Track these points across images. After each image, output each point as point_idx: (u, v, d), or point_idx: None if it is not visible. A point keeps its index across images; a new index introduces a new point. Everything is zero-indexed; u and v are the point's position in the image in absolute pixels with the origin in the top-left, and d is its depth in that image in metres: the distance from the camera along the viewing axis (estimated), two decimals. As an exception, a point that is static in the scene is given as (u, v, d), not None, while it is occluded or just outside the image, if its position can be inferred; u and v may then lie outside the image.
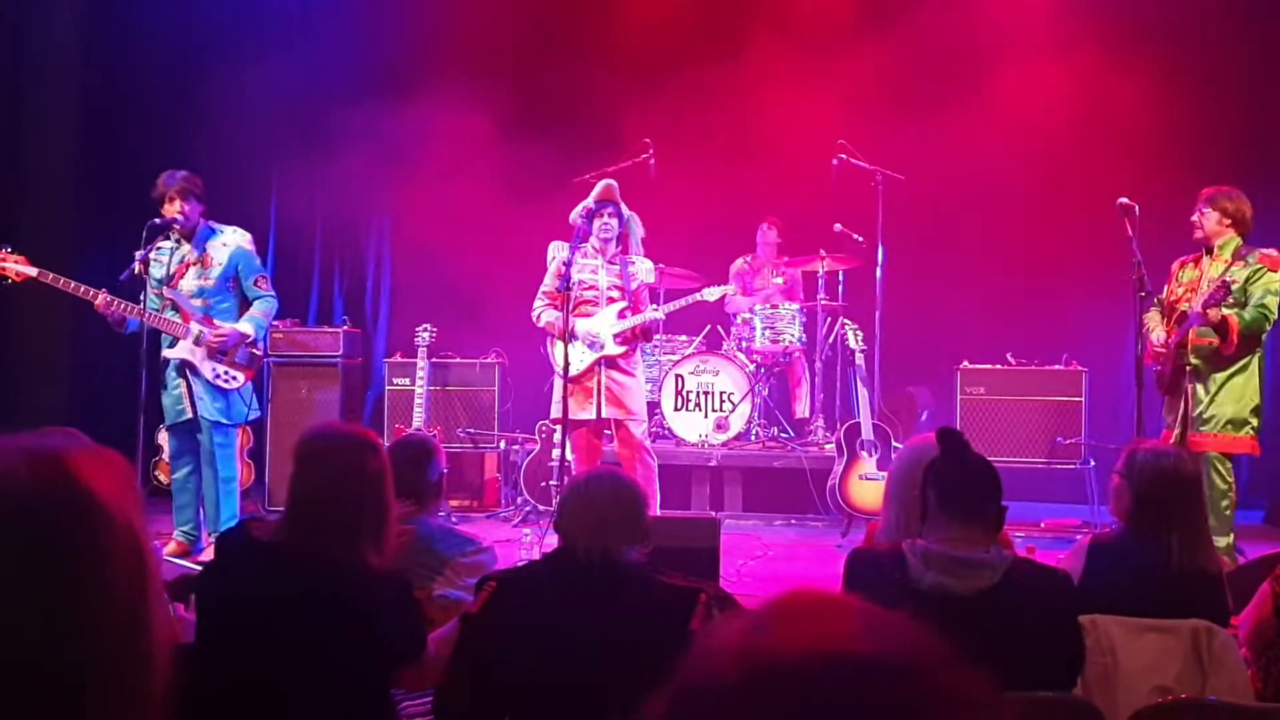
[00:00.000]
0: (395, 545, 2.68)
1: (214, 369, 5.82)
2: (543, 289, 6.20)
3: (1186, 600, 2.88)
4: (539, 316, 6.18)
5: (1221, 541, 5.39)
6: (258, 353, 6.03)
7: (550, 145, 8.46)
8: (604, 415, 6.06)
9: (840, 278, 8.01)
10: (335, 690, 2.46)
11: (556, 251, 6.29)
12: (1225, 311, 5.35)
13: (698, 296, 6.48)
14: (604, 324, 6.09)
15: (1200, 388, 5.54)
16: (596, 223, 6.12)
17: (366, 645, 2.47)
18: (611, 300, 6.15)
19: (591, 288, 6.15)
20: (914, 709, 0.76)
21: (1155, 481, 3.02)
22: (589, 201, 6.16)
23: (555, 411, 6.19)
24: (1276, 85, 7.98)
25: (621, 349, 6.10)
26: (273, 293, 6.11)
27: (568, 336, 5.89)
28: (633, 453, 6.08)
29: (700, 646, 0.81)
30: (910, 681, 0.76)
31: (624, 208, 6.21)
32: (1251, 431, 5.52)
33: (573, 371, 6.02)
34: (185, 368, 5.83)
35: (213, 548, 2.69)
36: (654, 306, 6.38)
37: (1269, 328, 5.48)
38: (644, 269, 6.28)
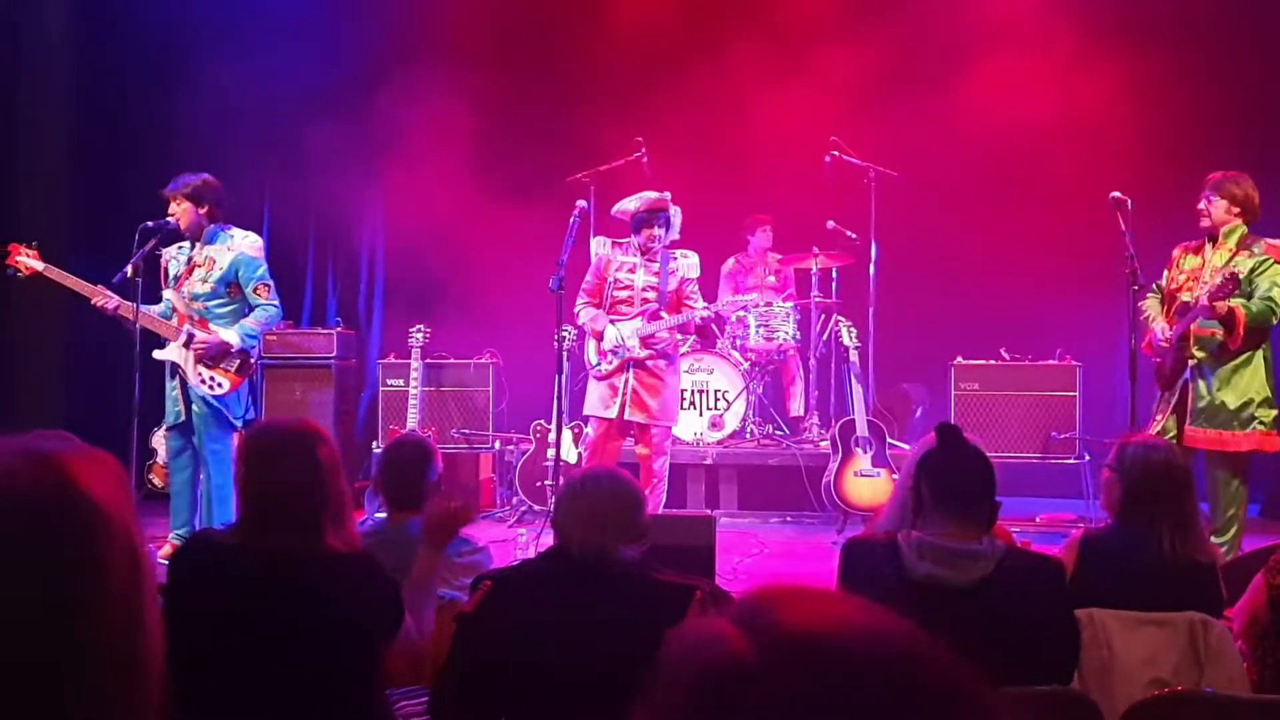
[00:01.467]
0: (355, 528, 2.69)
1: (199, 373, 5.80)
2: (583, 287, 6.22)
3: (1180, 591, 2.89)
4: (578, 314, 6.22)
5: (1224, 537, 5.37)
6: (250, 360, 5.99)
7: (543, 145, 8.47)
8: (626, 418, 6.04)
9: (834, 275, 8.02)
10: (322, 684, 2.45)
11: (598, 248, 6.29)
12: (1231, 303, 5.23)
13: (718, 307, 6.43)
14: (630, 329, 6.08)
15: (1202, 382, 5.41)
16: (645, 232, 6.09)
17: (342, 629, 2.47)
18: (645, 301, 6.13)
19: (627, 288, 6.14)
20: (923, 680, 0.79)
21: (1146, 474, 3.03)
22: (636, 207, 6.10)
23: (587, 409, 6.26)
24: (1269, 73, 7.98)
25: (647, 352, 6.07)
26: (275, 302, 6.02)
27: (562, 335, 5.89)
28: (650, 455, 6.09)
29: (689, 640, 0.82)
30: (916, 653, 0.80)
31: (670, 209, 6.15)
32: (1262, 426, 5.35)
33: (604, 369, 6.08)
34: (176, 369, 5.83)
35: (168, 566, 2.66)
36: (703, 305, 6.27)
37: (1275, 321, 5.35)
38: (686, 264, 6.23)
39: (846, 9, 8.57)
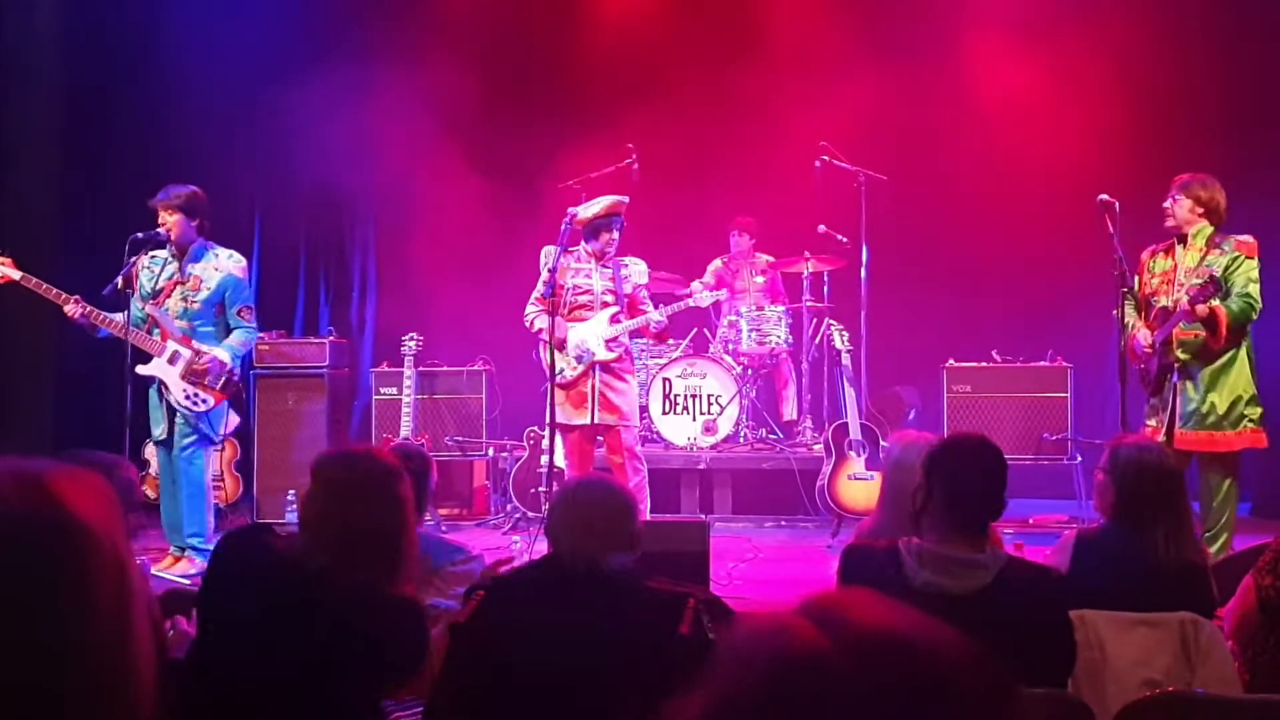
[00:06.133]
0: (416, 569, 2.65)
1: (184, 389, 5.79)
2: (535, 295, 6.17)
3: (1173, 592, 2.90)
4: (531, 322, 6.15)
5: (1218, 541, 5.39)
6: (234, 378, 5.99)
7: (534, 151, 8.47)
8: (596, 421, 6.03)
9: (825, 279, 8.03)
10: (330, 707, 2.44)
11: (547, 257, 6.27)
12: (1212, 304, 5.25)
13: (690, 303, 6.41)
14: (594, 331, 6.07)
15: (1189, 384, 5.43)
16: (604, 235, 6.09)
17: (371, 669, 2.45)
18: (605, 305, 6.12)
19: (586, 292, 6.13)
20: (983, 677, 0.86)
21: (1139, 476, 3.04)
22: (596, 212, 6.10)
23: (556, 418, 6.19)
24: (1257, 76, 8.01)
25: (612, 354, 6.06)
26: (254, 325, 6.07)
27: (554, 344, 5.87)
28: (623, 458, 6.06)
29: (758, 630, 0.86)
30: (973, 654, 0.87)
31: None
32: (1251, 424, 5.39)
33: (568, 377, 6.02)
34: (160, 384, 5.82)
35: (214, 549, 2.63)
36: (657, 309, 6.24)
37: (1255, 316, 5.38)
38: (637, 270, 6.21)
39: (836, 14, 8.58)
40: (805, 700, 0.80)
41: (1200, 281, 5.29)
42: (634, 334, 6.30)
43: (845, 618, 0.85)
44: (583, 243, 6.15)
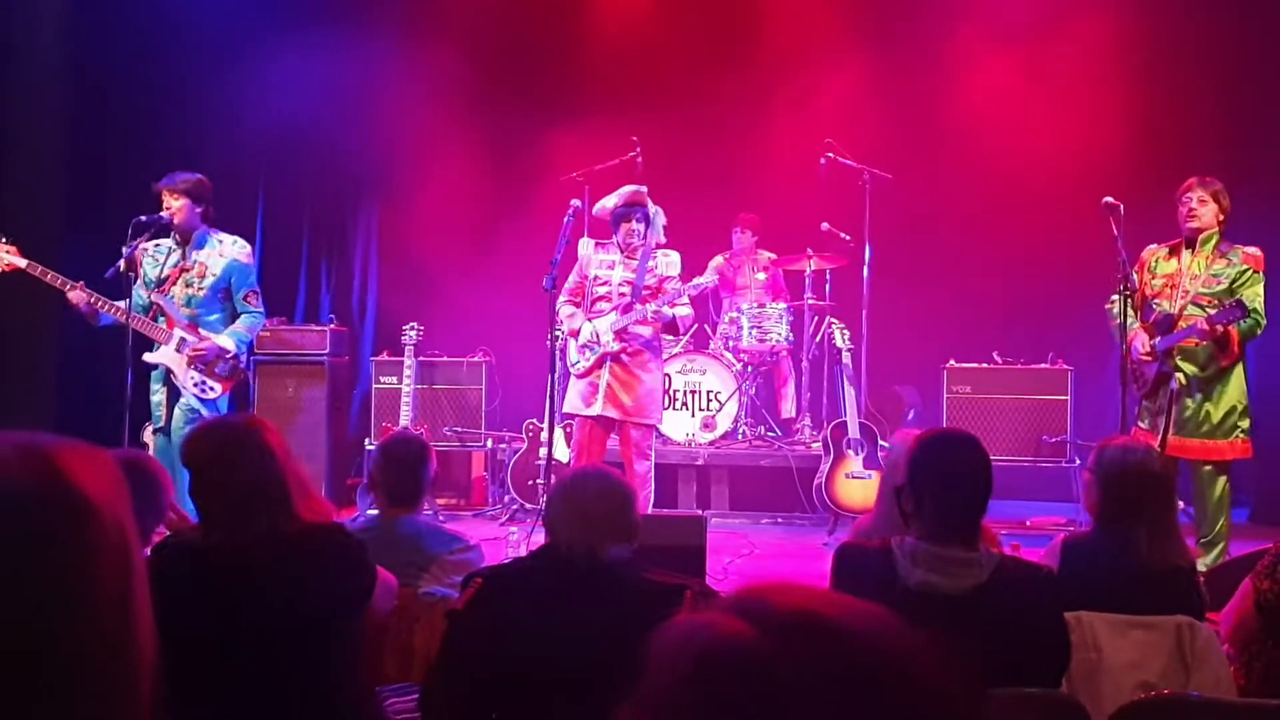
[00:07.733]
0: (319, 501, 2.69)
1: (193, 378, 5.77)
2: (566, 287, 6.19)
3: (1160, 595, 2.90)
4: (559, 313, 6.16)
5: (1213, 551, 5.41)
6: (240, 365, 5.98)
7: (537, 143, 8.47)
8: (601, 413, 6.02)
9: (827, 277, 8.02)
10: (309, 662, 2.43)
11: (583, 249, 6.27)
12: None
13: (690, 286, 6.32)
14: (606, 323, 6.06)
15: (1186, 392, 5.44)
16: (624, 226, 6.07)
17: (322, 599, 2.47)
18: (622, 296, 6.12)
19: (604, 284, 6.13)
20: (914, 650, 0.83)
21: (1123, 477, 3.04)
22: (616, 203, 6.08)
23: (567, 406, 6.23)
24: (1254, 79, 8.00)
25: (619, 345, 6.03)
26: (261, 309, 6.03)
27: (555, 335, 5.88)
28: (629, 454, 6.06)
29: (681, 632, 0.84)
30: (901, 628, 0.84)
31: (650, 206, 6.14)
32: (1242, 435, 5.44)
33: (582, 367, 6.04)
34: (167, 373, 5.81)
35: None
36: (656, 304, 6.17)
37: (1260, 333, 5.41)
38: (665, 262, 6.16)
39: (842, 12, 8.58)
40: (737, 690, 0.79)
41: (1214, 295, 5.29)
42: (654, 323, 6.21)
43: (767, 606, 0.83)
44: (614, 235, 6.16)
